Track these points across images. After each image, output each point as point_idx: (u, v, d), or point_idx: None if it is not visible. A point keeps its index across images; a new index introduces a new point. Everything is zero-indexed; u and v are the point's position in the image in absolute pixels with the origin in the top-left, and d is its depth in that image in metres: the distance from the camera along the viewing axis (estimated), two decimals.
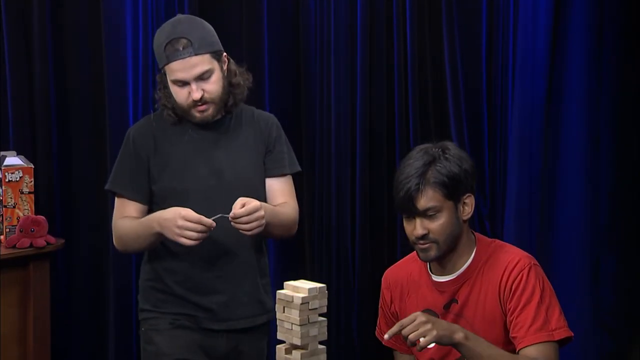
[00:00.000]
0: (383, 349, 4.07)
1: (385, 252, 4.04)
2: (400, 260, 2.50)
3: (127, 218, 2.70)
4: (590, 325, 3.62)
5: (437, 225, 2.25)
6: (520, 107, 3.67)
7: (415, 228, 2.26)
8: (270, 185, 2.79)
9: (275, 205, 2.73)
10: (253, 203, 2.53)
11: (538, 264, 2.29)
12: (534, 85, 3.65)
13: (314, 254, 4.06)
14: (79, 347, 3.86)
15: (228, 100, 2.71)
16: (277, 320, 2.12)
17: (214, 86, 2.64)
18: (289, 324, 2.09)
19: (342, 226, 4.04)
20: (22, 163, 3.46)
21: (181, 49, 2.58)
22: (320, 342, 2.13)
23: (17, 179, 3.42)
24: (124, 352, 3.84)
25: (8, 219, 3.41)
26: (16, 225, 3.38)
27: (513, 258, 2.27)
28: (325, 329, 2.12)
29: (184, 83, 2.61)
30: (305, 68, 4.04)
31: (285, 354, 2.11)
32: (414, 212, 2.25)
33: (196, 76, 2.60)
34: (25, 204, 3.44)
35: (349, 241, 4.05)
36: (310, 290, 2.07)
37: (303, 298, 2.06)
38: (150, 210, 2.71)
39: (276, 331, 2.16)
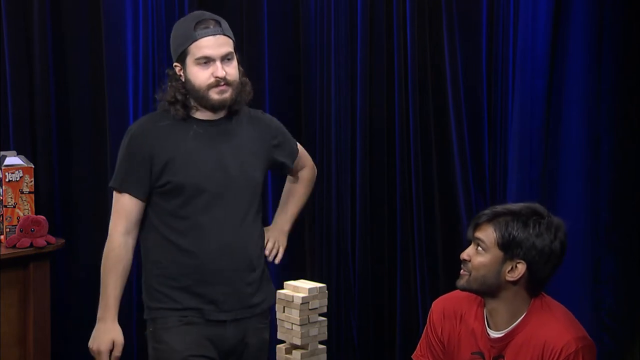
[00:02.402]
0: (383, 349, 4.09)
1: (385, 253, 4.03)
2: (453, 293, 2.51)
3: (114, 264, 2.74)
4: (591, 325, 3.61)
5: (477, 260, 2.32)
6: (521, 108, 3.67)
7: (466, 250, 2.37)
8: (293, 170, 3.02)
9: (290, 198, 3.05)
10: (269, 242, 2.94)
11: (588, 344, 2.28)
12: (534, 85, 3.65)
13: (314, 254, 4.06)
14: (79, 347, 3.85)
15: (238, 95, 2.75)
16: (277, 320, 2.12)
17: (234, 71, 2.73)
18: (289, 324, 2.09)
19: (342, 226, 4.04)
20: (23, 163, 3.46)
21: (211, 27, 2.69)
22: (320, 342, 2.14)
23: (17, 179, 3.42)
24: (124, 352, 3.83)
25: (8, 218, 3.41)
26: (16, 225, 3.38)
27: (561, 336, 2.27)
28: (326, 328, 2.13)
29: (208, 60, 2.68)
30: (306, 67, 4.04)
31: (286, 353, 2.11)
32: (470, 236, 2.36)
33: (223, 55, 2.69)
34: (25, 203, 3.44)
35: (349, 241, 4.05)
36: (310, 290, 2.08)
37: (303, 298, 2.07)
38: (162, 206, 2.75)
39: (276, 331, 2.17)
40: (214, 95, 2.70)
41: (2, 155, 3.47)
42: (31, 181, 3.45)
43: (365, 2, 3.96)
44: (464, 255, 2.35)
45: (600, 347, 3.65)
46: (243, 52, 3.87)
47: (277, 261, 2.94)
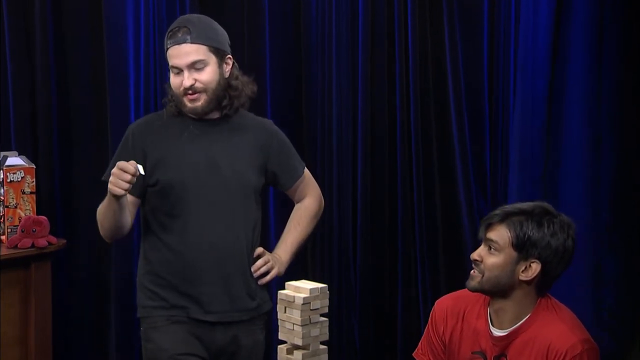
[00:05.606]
0: (384, 349, 4.09)
1: (386, 253, 4.04)
2: (458, 293, 2.50)
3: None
4: (591, 325, 3.62)
5: (490, 260, 2.30)
6: (522, 107, 3.67)
7: (476, 250, 2.33)
8: (293, 190, 2.90)
9: (292, 229, 2.93)
10: (262, 259, 2.79)
11: (592, 347, 2.27)
12: (535, 85, 3.66)
13: (316, 254, 4.06)
14: (81, 346, 3.87)
15: (223, 99, 2.73)
16: (279, 321, 2.12)
17: (206, 77, 2.69)
18: (290, 325, 2.09)
19: (343, 226, 4.04)
20: (24, 163, 3.47)
21: (179, 35, 2.67)
22: (322, 343, 2.14)
23: (19, 179, 3.42)
24: (126, 352, 3.84)
25: (10, 219, 3.41)
26: (18, 226, 3.38)
27: (567, 338, 2.25)
28: (327, 329, 2.13)
29: (179, 70, 2.68)
30: (307, 67, 4.04)
31: (287, 354, 2.12)
32: (482, 237, 2.33)
33: (189, 64, 2.66)
34: (26, 204, 3.44)
35: (350, 241, 4.05)
36: (311, 290, 2.08)
37: (304, 298, 2.07)
38: (156, 206, 2.74)
39: (277, 331, 2.17)
40: (186, 102, 2.70)
41: (4, 156, 3.47)
42: (32, 181, 3.45)
43: (366, 2, 3.96)
44: (475, 255, 2.32)
45: (600, 347, 3.65)
46: (244, 52, 3.87)
47: (260, 282, 2.78)
